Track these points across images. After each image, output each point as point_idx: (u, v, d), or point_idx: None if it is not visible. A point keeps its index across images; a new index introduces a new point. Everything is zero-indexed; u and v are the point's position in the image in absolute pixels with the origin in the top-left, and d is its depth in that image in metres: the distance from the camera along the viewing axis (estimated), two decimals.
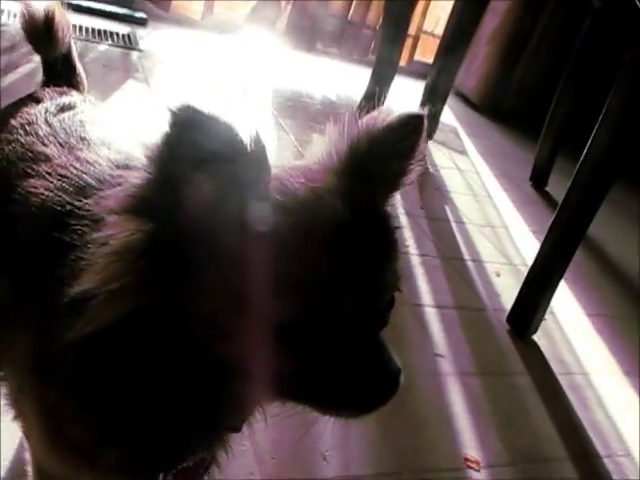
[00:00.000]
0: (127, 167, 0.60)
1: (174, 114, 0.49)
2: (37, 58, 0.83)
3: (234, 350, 0.52)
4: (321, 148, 0.58)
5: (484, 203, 1.85)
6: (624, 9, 1.13)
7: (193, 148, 0.50)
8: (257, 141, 0.50)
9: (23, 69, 1.51)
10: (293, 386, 0.54)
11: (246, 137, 0.50)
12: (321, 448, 0.89)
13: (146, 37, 2.18)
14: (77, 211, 0.58)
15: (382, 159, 0.58)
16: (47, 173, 0.64)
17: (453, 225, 1.63)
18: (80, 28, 1.98)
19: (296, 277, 0.50)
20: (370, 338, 0.54)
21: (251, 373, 0.53)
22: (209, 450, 0.64)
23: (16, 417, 0.64)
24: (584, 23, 1.95)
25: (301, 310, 0.49)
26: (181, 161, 0.50)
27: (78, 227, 0.56)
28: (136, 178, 0.50)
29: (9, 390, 0.64)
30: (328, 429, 0.88)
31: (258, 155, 0.51)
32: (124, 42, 2.07)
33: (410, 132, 0.59)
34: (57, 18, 0.81)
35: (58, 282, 0.53)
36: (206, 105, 0.49)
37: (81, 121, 0.73)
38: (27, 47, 0.83)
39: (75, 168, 0.65)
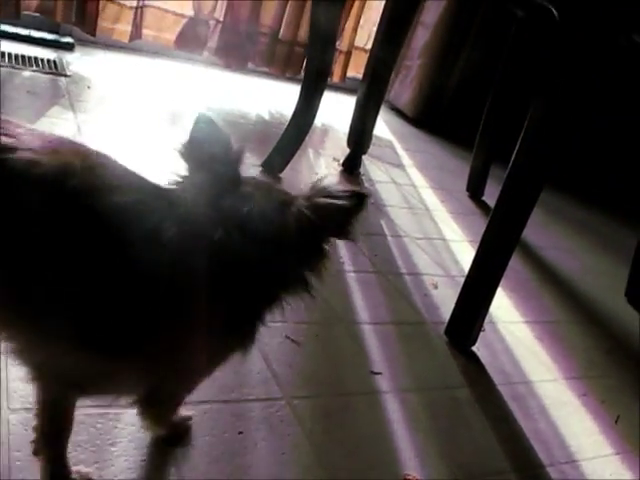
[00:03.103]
0: None
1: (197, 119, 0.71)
2: None
3: None
4: None
5: (421, 216, 1.85)
6: (544, 18, 1.14)
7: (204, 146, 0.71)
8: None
9: None
10: None
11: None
12: (253, 477, 0.86)
13: (74, 62, 2.13)
14: None
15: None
16: None
17: (389, 239, 1.61)
18: (3, 55, 1.93)
19: None
20: None
21: None
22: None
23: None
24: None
25: None
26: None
27: None
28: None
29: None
30: (261, 457, 0.85)
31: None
32: (50, 68, 2.02)
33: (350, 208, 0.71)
34: None
35: None
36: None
37: None
38: None
39: None
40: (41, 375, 0.69)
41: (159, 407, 0.79)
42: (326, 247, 0.76)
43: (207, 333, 0.67)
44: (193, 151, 0.72)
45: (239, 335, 0.73)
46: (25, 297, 0.61)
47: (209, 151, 0.71)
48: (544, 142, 1.16)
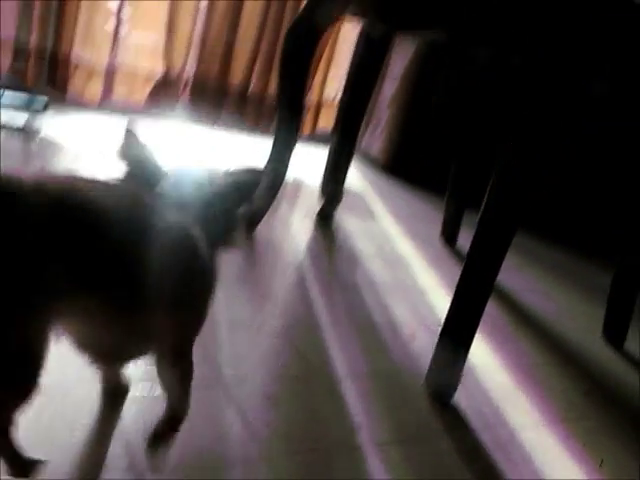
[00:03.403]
0: None
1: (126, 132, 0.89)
2: None
3: None
4: None
5: (396, 266, 1.85)
6: (507, 65, 1.17)
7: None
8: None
9: None
10: None
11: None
12: None
13: (45, 123, 2.14)
14: None
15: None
16: None
17: (365, 291, 1.62)
18: None
19: None
20: None
21: None
22: None
23: None
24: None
25: None
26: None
27: None
28: None
29: None
30: None
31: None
32: (22, 129, 2.03)
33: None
34: None
35: None
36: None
37: None
38: None
39: None
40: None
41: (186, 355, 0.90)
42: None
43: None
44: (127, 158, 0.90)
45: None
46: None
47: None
48: (512, 189, 1.18)
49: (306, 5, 1.64)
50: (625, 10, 1.16)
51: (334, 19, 1.62)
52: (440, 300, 1.67)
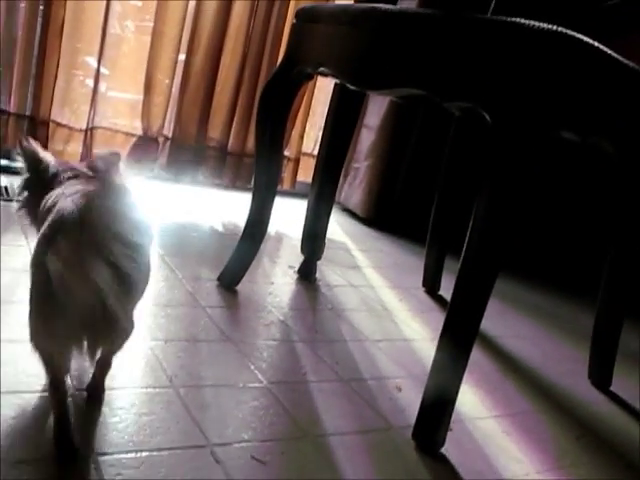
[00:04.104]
0: None
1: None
2: None
3: None
4: None
5: (380, 317, 1.86)
6: (478, 119, 1.19)
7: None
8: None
9: None
10: None
11: None
12: None
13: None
14: None
15: None
16: None
17: (350, 344, 1.61)
18: None
19: None
20: None
21: None
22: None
23: None
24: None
25: None
26: None
27: None
28: None
29: None
30: None
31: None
32: (1, 194, 2.03)
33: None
34: None
35: None
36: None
37: None
38: None
39: None
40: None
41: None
42: None
43: None
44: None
45: None
46: None
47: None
48: (491, 236, 1.19)
49: (281, 64, 1.67)
50: (596, 69, 1.20)
51: (309, 77, 1.64)
52: (424, 350, 1.67)
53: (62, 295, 0.84)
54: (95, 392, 1.10)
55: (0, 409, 1.00)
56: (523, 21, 1.13)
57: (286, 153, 2.76)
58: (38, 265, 0.88)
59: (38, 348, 0.93)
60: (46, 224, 0.90)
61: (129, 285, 0.91)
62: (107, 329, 0.91)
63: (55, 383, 0.95)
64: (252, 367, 1.35)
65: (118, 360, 1.19)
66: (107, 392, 1.12)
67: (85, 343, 0.91)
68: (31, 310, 0.91)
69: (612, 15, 1.78)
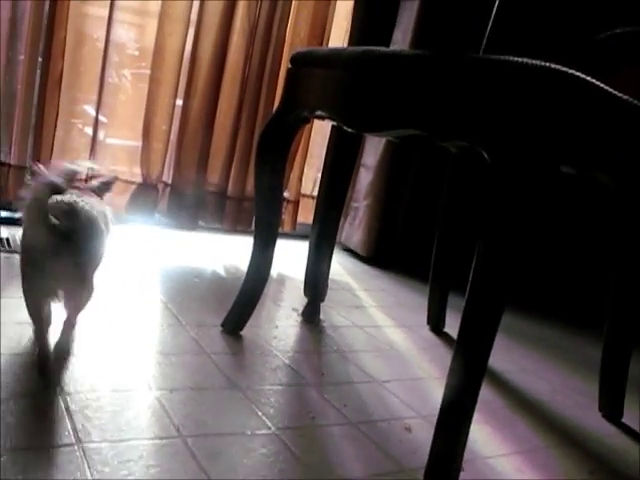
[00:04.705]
0: None
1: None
2: None
3: None
4: None
5: (386, 357, 1.85)
6: (476, 153, 1.20)
7: None
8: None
9: None
10: None
11: None
12: None
13: None
14: None
15: None
16: None
17: (357, 386, 1.60)
18: None
19: None
20: None
21: None
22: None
23: None
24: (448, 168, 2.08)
25: None
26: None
27: None
28: None
29: None
30: None
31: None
32: (3, 246, 2.03)
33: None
34: None
35: None
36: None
37: None
38: None
39: None
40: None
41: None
42: None
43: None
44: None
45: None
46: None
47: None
48: (494, 278, 1.19)
49: (277, 109, 1.68)
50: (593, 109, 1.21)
51: (305, 121, 1.66)
52: (434, 388, 1.66)
53: (39, 265, 1.26)
54: (60, 346, 1.43)
55: None
56: (517, 59, 1.14)
57: (285, 195, 2.77)
58: (24, 243, 1.33)
59: (27, 302, 1.32)
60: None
61: (85, 257, 1.32)
62: (70, 288, 1.34)
63: (39, 329, 1.36)
64: (259, 413, 1.34)
65: (125, 411, 1.18)
66: (115, 444, 1.11)
67: (56, 298, 1.33)
68: (22, 274, 1.31)
69: (602, 49, 1.81)
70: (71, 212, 1.26)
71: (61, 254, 1.23)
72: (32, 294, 1.32)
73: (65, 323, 1.45)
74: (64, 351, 1.40)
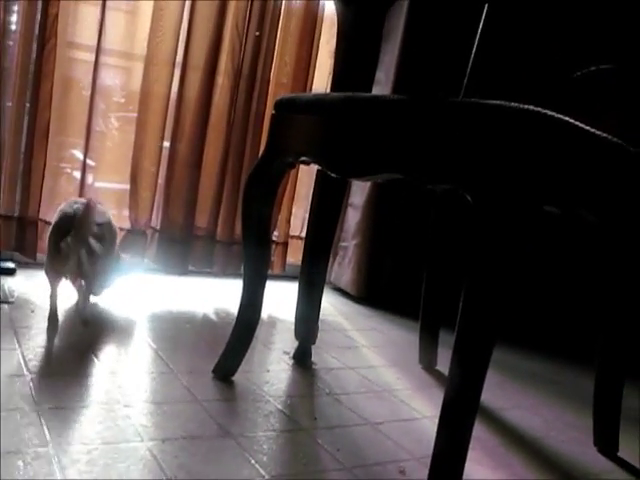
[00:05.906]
0: None
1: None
2: None
3: None
4: None
5: (379, 398, 1.84)
6: (460, 194, 1.22)
7: None
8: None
9: None
10: None
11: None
12: None
13: (16, 286, 2.15)
14: None
15: None
16: None
17: (350, 429, 1.59)
18: None
19: None
20: None
21: None
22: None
23: None
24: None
25: None
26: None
27: None
28: None
29: None
30: None
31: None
32: None
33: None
34: None
35: None
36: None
37: None
38: None
39: None
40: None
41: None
42: None
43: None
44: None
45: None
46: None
47: None
48: (482, 318, 1.20)
49: (262, 155, 1.70)
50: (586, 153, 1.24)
51: (291, 166, 1.68)
52: (427, 428, 1.65)
53: (59, 254, 1.80)
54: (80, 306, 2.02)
55: None
56: (494, 102, 1.17)
57: (274, 236, 2.79)
58: (51, 237, 1.87)
59: (46, 275, 1.89)
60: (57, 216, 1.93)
61: (96, 259, 1.85)
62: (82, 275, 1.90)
63: (53, 291, 1.89)
64: (252, 461, 1.33)
65: (117, 464, 1.17)
66: None
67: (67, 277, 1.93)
68: (47, 256, 1.90)
69: (579, 86, 1.84)
70: (108, 224, 1.98)
71: (93, 254, 1.84)
72: (52, 272, 1.89)
73: (80, 296, 2.06)
74: (80, 308, 2.01)
